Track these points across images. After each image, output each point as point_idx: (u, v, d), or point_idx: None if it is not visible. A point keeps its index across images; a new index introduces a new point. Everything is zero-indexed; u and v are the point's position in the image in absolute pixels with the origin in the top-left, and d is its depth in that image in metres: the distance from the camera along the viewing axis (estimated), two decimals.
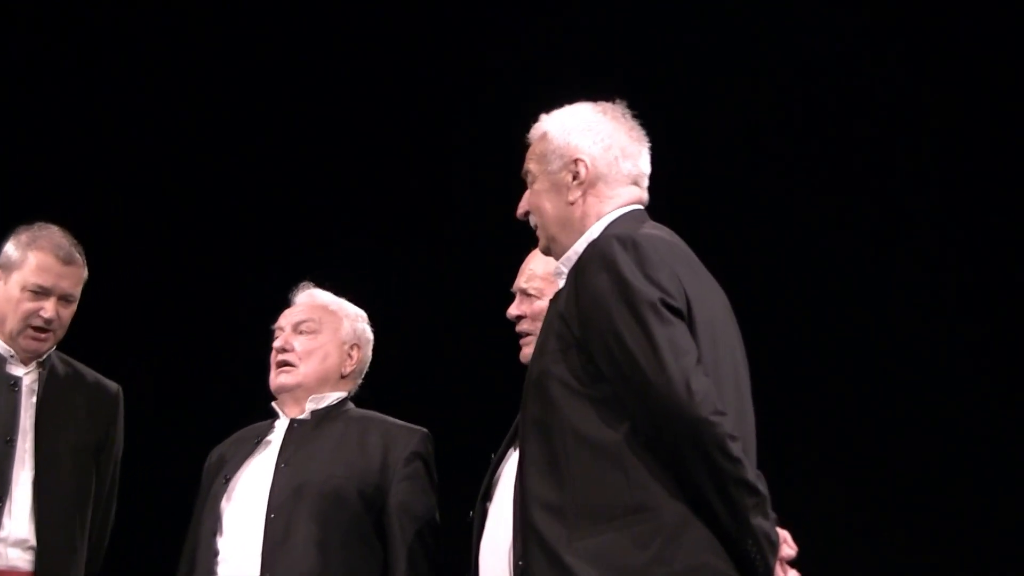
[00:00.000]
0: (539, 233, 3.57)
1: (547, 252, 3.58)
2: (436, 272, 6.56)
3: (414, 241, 6.60)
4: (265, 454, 4.49)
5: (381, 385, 4.75)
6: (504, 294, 4.13)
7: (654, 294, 3.22)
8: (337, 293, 4.73)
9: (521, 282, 4.13)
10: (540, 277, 4.10)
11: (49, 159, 6.56)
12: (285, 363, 4.56)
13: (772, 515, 3.29)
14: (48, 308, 4.62)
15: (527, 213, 3.58)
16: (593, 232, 3.46)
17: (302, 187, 6.73)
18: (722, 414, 3.18)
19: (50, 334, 4.66)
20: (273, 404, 4.64)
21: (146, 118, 6.68)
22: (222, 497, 4.43)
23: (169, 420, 5.90)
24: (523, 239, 3.80)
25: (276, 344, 4.61)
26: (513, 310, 4.12)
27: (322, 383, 4.58)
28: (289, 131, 6.72)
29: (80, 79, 6.63)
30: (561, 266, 3.49)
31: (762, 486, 3.24)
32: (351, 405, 4.65)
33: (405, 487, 4.42)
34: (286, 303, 4.72)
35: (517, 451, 3.61)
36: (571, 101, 3.62)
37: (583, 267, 3.32)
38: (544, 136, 3.55)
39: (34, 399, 4.66)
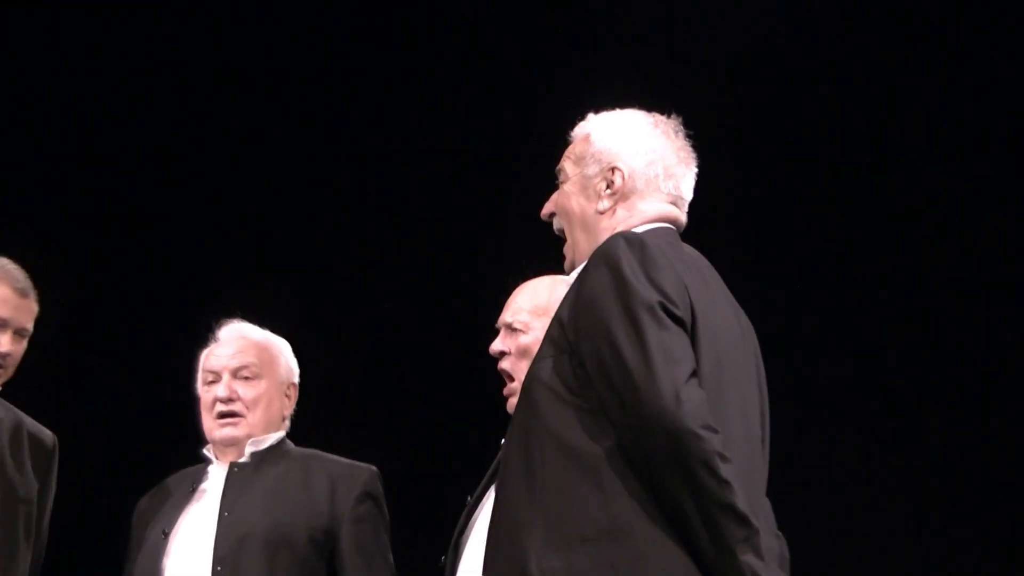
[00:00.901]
0: (563, 238, 3.44)
1: (570, 267, 3.41)
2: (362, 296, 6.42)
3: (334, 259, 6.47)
4: (204, 502, 4.35)
5: (319, 418, 4.66)
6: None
7: (653, 296, 3.08)
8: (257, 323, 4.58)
9: (507, 316, 3.96)
10: (527, 311, 3.95)
11: None
12: (231, 414, 4.40)
13: (777, 557, 3.16)
14: (4, 341, 4.41)
15: (552, 215, 3.45)
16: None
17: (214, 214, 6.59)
18: (713, 431, 2.98)
19: (1, 372, 4.45)
20: (205, 450, 4.49)
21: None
22: (162, 552, 4.27)
23: (87, 466, 5.60)
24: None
25: (219, 393, 4.42)
26: (496, 345, 3.96)
27: (266, 429, 4.45)
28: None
29: None
30: (574, 275, 3.35)
31: (757, 522, 3.00)
32: (290, 444, 4.52)
33: (357, 529, 4.31)
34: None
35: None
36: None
37: (587, 267, 3.20)
38: (587, 138, 3.42)
39: None
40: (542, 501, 3.05)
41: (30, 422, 4.61)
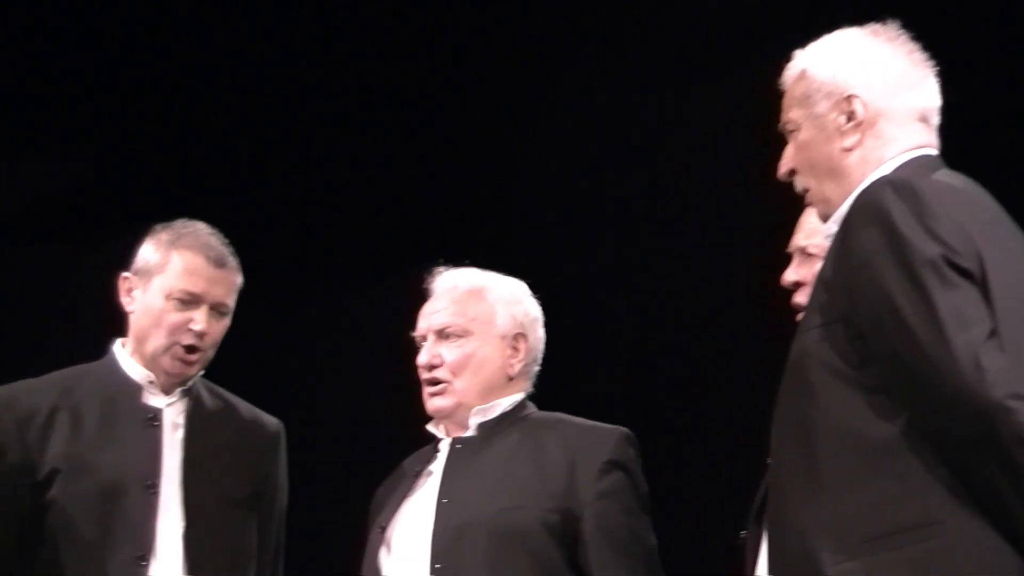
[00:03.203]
0: (809, 197, 3.17)
1: (823, 219, 3.15)
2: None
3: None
4: (425, 489, 3.91)
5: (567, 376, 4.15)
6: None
7: (935, 250, 2.81)
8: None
9: (799, 239, 3.57)
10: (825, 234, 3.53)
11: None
12: (435, 381, 3.95)
13: None
14: (200, 319, 3.98)
15: (792, 172, 3.17)
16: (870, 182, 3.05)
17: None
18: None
19: (199, 355, 4.03)
20: (430, 426, 4.02)
21: None
22: (380, 551, 3.88)
23: (325, 458, 5.35)
24: None
25: (420, 360, 3.97)
26: (790, 275, 3.54)
27: (486, 395, 3.94)
28: None
29: None
30: (832, 226, 3.08)
31: None
32: (531, 407, 3.98)
33: (602, 509, 3.77)
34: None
35: None
36: None
37: (850, 222, 2.95)
38: (803, 75, 3.16)
39: (178, 436, 4.03)
40: (829, 499, 2.83)
41: (245, 407, 4.21)
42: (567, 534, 3.74)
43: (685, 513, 3.95)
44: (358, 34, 6.19)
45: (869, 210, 2.90)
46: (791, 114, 3.16)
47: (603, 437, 3.83)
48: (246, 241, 4.19)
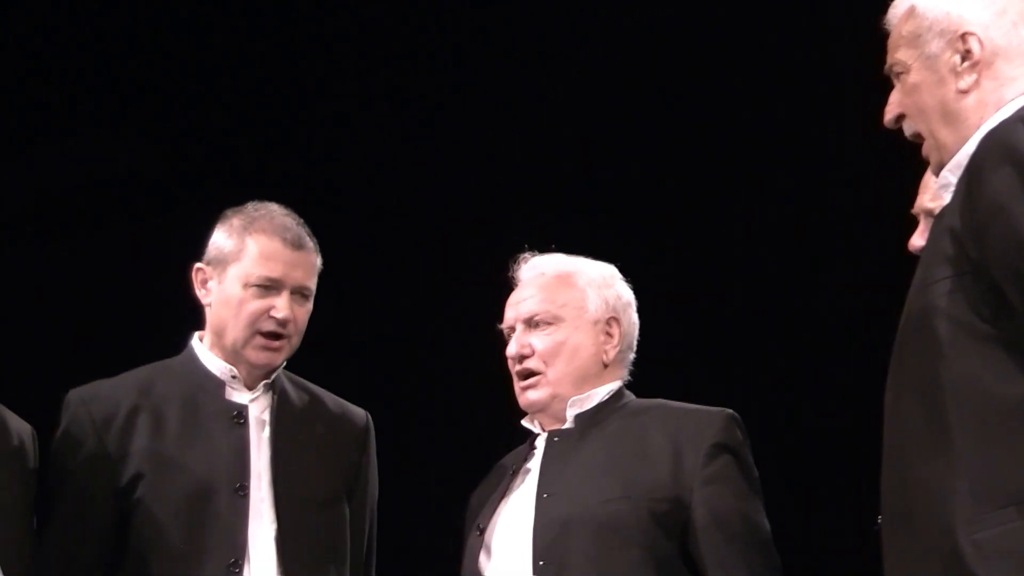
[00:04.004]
0: (925, 145, 2.99)
1: (937, 168, 2.98)
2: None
3: None
4: (524, 487, 3.77)
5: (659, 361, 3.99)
6: None
7: None
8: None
9: (924, 201, 3.39)
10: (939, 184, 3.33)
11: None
12: (527, 373, 3.81)
13: None
14: (281, 306, 3.81)
15: (900, 118, 3.00)
16: (991, 125, 2.87)
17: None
18: None
19: (284, 342, 3.84)
20: (525, 421, 3.90)
21: None
22: (479, 553, 3.74)
23: (417, 453, 5.25)
24: None
25: (510, 351, 3.83)
26: (916, 240, 3.37)
27: (581, 384, 3.79)
28: None
29: None
30: (948, 175, 2.92)
31: None
32: (628, 396, 3.83)
33: (713, 493, 3.61)
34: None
35: None
36: None
37: (978, 165, 2.77)
38: (911, 12, 3.00)
39: (266, 433, 3.85)
40: (960, 461, 2.67)
41: (332, 399, 4.06)
42: (676, 523, 3.59)
43: (797, 500, 3.77)
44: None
45: (1001, 151, 2.73)
46: (898, 55, 3.01)
47: (708, 420, 3.68)
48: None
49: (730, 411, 3.70)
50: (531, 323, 3.81)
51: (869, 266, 3.73)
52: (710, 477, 3.59)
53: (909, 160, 3.10)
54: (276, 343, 3.83)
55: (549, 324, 3.79)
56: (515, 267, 3.90)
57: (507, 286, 3.91)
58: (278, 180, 5.39)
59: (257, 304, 3.82)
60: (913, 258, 3.19)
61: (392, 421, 4.24)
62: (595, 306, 3.81)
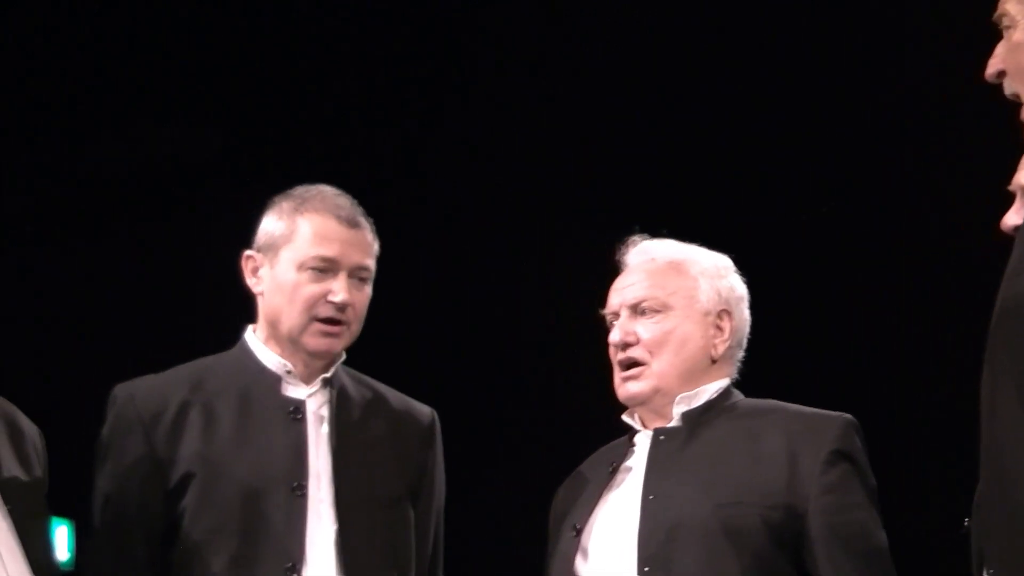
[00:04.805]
0: (1019, 101, 2.85)
1: None
2: None
3: None
4: (625, 486, 3.62)
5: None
6: None
7: None
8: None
9: (1022, 177, 3.23)
10: None
11: None
12: (631, 363, 3.66)
13: None
14: (339, 288, 3.61)
15: (1001, 74, 2.86)
16: None
17: None
18: None
19: (343, 328, 3.65)
20: (625, 416, 3.73)
21: None
22: (574, 556, 3.58)
23: (490, 451, 5.10)
24: None
25: (612, 338, 3.69)
26: (1011, 218, 3.16)
27: (688, 379, 3.65)
28: None
29: None
30: None
31: None
32: (738, 395, 3.70)
33: (830, 503, 3.46)
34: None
35: None
36: None
37: None
38: None
39: (325, 430, 3.67)
40: None
41: (394, 395, 3.86)
42: (789, 533, 3.44)
43: (904, 506, 3.65)
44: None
45: None
46: (1008, 6, 2.88)
47: (826, 424, 3.53)
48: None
49: (849, 416, 3.55)
50: (637, 310, 3.66)
51: (965, 252, 3.62)
52: (828, 486, 3.45)
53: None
54: (335, 328, 3.63)
55: (657, 312, 3.65)
56: (623, 251, 3.75)
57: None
58: (341, 165, 5.29)
59: (313, 288, 3.62)
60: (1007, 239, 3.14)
61: (459, 420, 4.08)
62: (707, 297, 3.66)
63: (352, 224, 3.65)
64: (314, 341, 3.63)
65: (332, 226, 3.63)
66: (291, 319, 3.62)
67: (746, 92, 5.95)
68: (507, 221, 6.03)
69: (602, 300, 3.77)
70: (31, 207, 5.92)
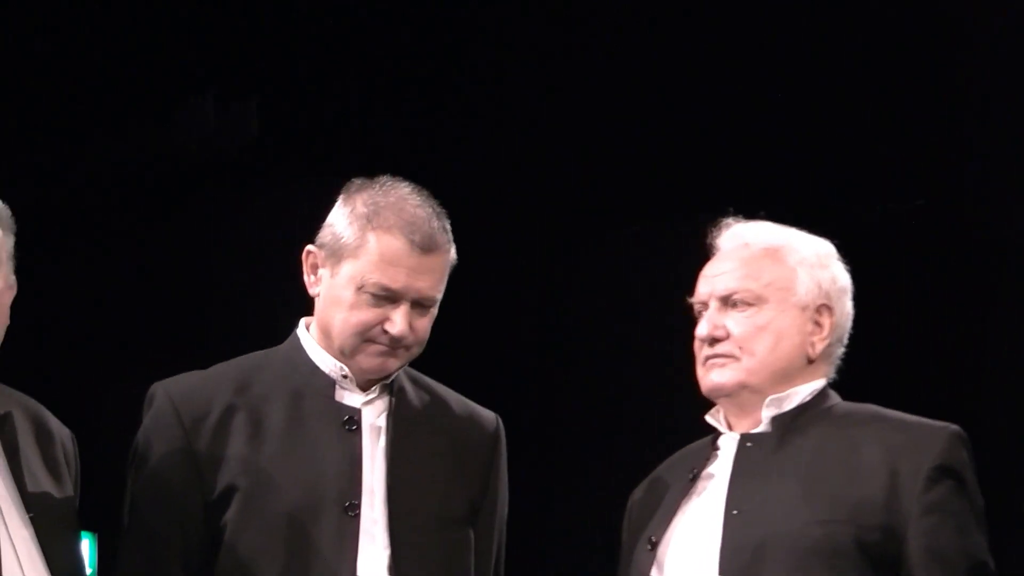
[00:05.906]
0: None
1: None
2: None
3: None
4: (707, 496, 3.45)
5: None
6: None
7: None
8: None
9: None
10: None
11: None
12: (718, 355, 3.47)
13: None
14: (397, 320, 3.36)
15: None
16: None
17: None
18: None
19: (402, 351, 3.43)
20: (709, 416, 3.54)
21: None
22: (649, 570, 3.41)
23: (557, 456, 4.91)
24: None
25: (699, 331, 3.48)
26: None
27: (781, 379, 3.43)
28: None
29: None
30: None
31: None
32: (834, 397, 3.49)
33: (932, 525, 3.25)
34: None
35: None
36: None
37: None
38: None
39: (382, 443, 3.47)
40: None
41: (458, 401, 3.65)
42: (886, 555, 3.25)
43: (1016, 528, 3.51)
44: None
45: None
46: None
47: (930, 437, 3.30)
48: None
49: (956, 427, 3.31)
50: (728, 302, 3.46)
51: None
52: (930, 505, 3.25)
53: None
54: (391, 356, 3.42)
55: (749, 305, 3.44)
56: (715, 234, 3.53)
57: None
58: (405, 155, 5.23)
59: (369, 314, 3.39)
60: None
61: (525, 424, 3.94)
62: (805, 289, 3.44)
63: (425, 249, 3.39)
64: (368, 361, 3.42)
65: (402, 252, 3.38)
66: (343, 337, 3.41)
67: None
68: (578, 219, 5.93)
69: (677, 294, 3.58)
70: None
